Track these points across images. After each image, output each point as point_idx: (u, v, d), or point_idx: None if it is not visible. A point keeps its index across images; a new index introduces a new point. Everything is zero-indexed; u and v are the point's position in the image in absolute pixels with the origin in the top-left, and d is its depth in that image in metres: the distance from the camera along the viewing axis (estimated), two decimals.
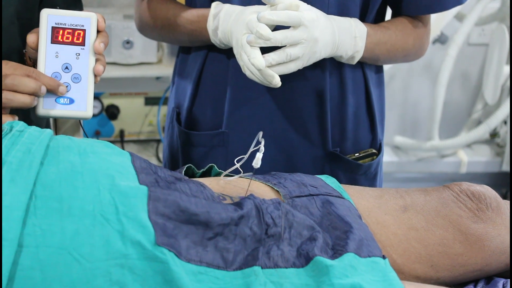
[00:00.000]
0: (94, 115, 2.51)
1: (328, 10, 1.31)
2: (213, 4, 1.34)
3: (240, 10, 1.29)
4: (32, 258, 0.86)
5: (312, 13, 1.22)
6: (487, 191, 1.19)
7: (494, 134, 3.44)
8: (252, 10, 1.25)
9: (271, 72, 1.21)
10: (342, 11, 1.32)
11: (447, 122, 3.36)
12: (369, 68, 1.43)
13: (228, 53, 1.38)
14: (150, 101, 2.59)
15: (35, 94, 1.08)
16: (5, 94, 1.05)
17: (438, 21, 2.89)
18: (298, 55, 1.22)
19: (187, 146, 1.47)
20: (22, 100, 1.06)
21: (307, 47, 1.22)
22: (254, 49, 1.21)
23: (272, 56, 1.21)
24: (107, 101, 2.57)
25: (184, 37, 1.41)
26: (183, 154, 1.49)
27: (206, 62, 1.42)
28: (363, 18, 1.36)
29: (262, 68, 1.20)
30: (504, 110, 3.03)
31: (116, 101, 2.56)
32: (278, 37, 1.20)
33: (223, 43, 1.33)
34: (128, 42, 2.47)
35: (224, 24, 1.30)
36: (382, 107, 1.49)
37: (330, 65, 1.37)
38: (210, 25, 1.33)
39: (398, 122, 3.45)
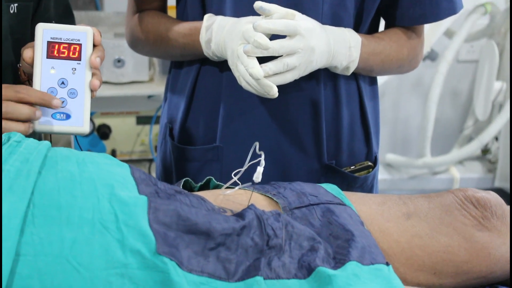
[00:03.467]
0: (85, 135, 2.49)
1: (322, 20, 1.30)
2: (206, 16, 1.33)
3: (233, 21, 1.28)
4: (30, 267, 0.84)
5: (308, 23, 1.22)
6: (493, 197, 1.17)
7: (485, 151, 3.45)
8: (247, 21, 1.24)
9: (269, 82, 1.20)
10: (335, 22, 1.32)
11: (438, 139, 3.37)
12: (363, 80, 1.42)
13: (221, 66, 1.37)
14: (142, 120, 2.58)
15: (30, 120, 1.06)
16: None
17: (428, 38, 2.91)
18: (295, 64, 1.21)
19: (181, 162, 1.46)
20: (16, 128, 1.04)
21: (304, 57, 1.21)
22: (251, 59, 1.20)
23: (269, 66, 1.20)
24: (98, 121, 2.55)
25: (176, 51, 1.40)
26: (177, 170, 1.47)
27: (199, 76, 1.41)
28: (356, 29, 1.36)
29: (261, 78, 1.19)
30: (495, 126, 3.04)
31: (107, 121, 2.54)
32: (275, 46, 1.19)
33: (216, 56, 1.32)
34: (119, 60, 2.46)
35: (218, 36, 1.29)
36: (377, 119, 1.49)
37: (324, 77, 1.36)
38: (202, 37, 1.32)
39: (389, 140, 3.46)
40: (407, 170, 3.32)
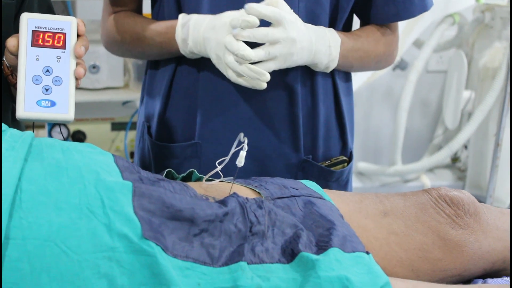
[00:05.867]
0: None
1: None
2: (181, 15, 1.35)
3: (213, 16, 1.31)
4: (20, 250, 0.85)
5: (291, 15, 1.26)
6: (465, 196, 1.20)
7: (455, 159, 3.50)
8: (230, 14, 1.28)
9: (260, 70, 1.24)
10: (311, 19, 1.35)
11: (408, 148, 3.41)
12: (338, 76, 1.45)
13: (197, 65, 1.39)
14: (117, 126, 2.58)
15: None
16: None
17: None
18: (276, 54, 1.25)
19: (160, 159, 1.46)
20: None
21: (285, 47, 1.25)
22: (240, 43, 1.24)
23: (253, 53, 1.24)
24: (73, 127, 2.54)
25: (153, 50, 1.42)
26: (156, 168, 1.47)
27: (175, 75, 1.42)
28: (332, 26, 1.39)
29: (253, 58, 1.23)
30: (464, 135, 3.09)
31: (82, 127, 2.54)
32: (261, 31, 1.24)
33: (193, 53, 1.34)
34: (94, 66, 2.46)
35: (195, 33, 1.31)
36: (351, 115, 1.52)
37: (302, 74, 1.38)
38: (178, 36, 1.34)
39: (361, 149, 3.49)
40: (378, 178, 3.36)
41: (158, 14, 1.44)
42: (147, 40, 1.40)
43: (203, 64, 1.37)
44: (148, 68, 1.51)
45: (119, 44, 1.47)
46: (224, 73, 1.28)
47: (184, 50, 1.35)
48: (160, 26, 1.39)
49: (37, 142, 1.01)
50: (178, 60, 1.41)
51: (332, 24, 1.39)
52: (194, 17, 1.33)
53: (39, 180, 0.92)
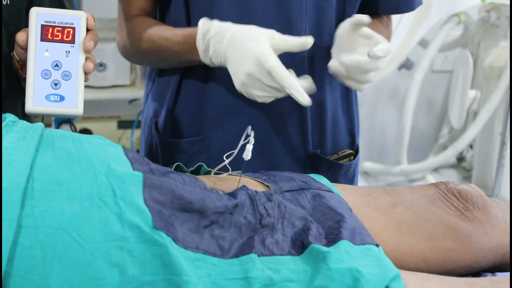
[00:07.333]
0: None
1: (305, 12, 1.33)
2: (200, 22, 1.29)
3: (236, 32, 1.24)
4: (32, 238, 0.86)
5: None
6: (473, 190, 1.20)
7: (461, 159, 3.50)
8: (258, 43, 1.21)
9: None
10: (318, 13, 1.35)
11: (414, 148, 3.40)
12: None
13: None
14: (123, 124, 2.58)
15: None
16: None
17: (403, 47, 2.95)
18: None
19: (168, 155, 1.46)
20: None
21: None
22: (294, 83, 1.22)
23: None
24: (79, 125, 2.55)
25: (172, 61, 1.38)
26: (164, 163, 1.47)
27: (186, 71, 1.41)
28: (340, 21, 1.38)
29: (310, 104, 1.22)
30: (470, 134, 3.08)
31: (88, 125, 2.54)
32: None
33: (213, 63, 1.29)
34: (101, 64, 2.47)
35: (218, 44, 1.25)
36: (357, 109, 1.53)
37: (308, 67, 1.39)
38: (200, 46, 1.28)
39: (366, 148, 3.49)
40: (384, 178, 3.35)
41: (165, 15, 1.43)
42: (165, 50, 1.36)
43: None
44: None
45: (136, 53, 1.44)
46: (251, 97, 1.27)
47: (205, 60, 1.30)
48: (177, 35, 1.33)
49: (48, 133, 1.01)
50: None
51: (339, 18, 1.39)
52: (214, 24, 1.27)
53: (50, 169, 0.92)
